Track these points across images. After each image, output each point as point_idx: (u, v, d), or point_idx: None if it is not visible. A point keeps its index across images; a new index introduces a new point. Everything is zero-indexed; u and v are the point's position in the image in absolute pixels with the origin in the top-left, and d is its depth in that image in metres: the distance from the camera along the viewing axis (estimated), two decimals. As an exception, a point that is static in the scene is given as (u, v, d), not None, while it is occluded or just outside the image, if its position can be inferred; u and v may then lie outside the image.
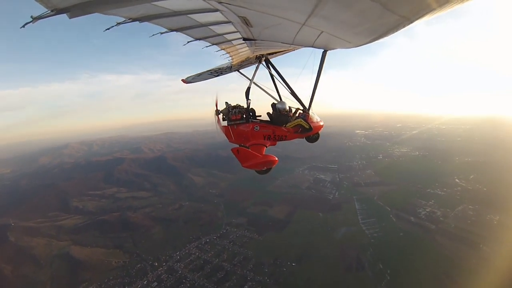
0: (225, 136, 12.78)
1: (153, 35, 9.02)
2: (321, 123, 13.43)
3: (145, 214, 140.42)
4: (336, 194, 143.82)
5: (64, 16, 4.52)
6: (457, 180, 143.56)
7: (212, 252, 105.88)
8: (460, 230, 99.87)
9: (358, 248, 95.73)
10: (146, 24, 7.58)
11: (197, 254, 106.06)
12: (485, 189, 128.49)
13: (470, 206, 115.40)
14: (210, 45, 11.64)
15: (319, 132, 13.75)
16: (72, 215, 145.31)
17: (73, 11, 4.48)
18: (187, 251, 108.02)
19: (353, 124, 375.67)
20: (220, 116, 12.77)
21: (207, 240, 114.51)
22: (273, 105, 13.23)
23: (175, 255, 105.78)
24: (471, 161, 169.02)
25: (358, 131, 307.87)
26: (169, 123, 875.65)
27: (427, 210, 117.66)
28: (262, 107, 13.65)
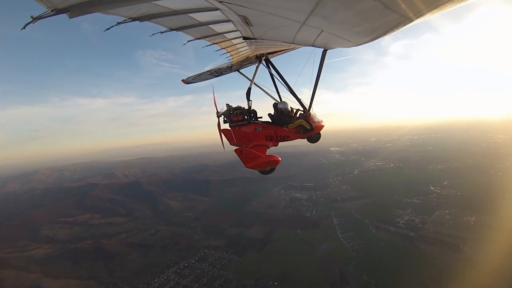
0: (225, 139, 13.05)
1: (153, 34, 9.27)
2: (322, 123, 13.99)
3: (121, 240, 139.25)
4: (314, 211, 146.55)
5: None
6: (432, 188, 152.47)
7: (192, 277, 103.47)
8: (439, 234, 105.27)
9: (340, 263, 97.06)
10: (145, 24, 7.86)
11: (176, 279, 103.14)
12: (459, 193, 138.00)
13: (446, 211, 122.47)
14: (210, 44, 12.02)
15: (320, 132, 14.27)
16: (42, 244, 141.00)
17: (73, 11, 4.62)
18: (165, 277, 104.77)
19: (327, 141, 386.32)
20: (221, 118, 12.97)
21: (186, 264, 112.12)
22: (275, 106, 13.69)
23: (153, 282, 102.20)
24: (444, 168, 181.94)
25: (332, 148, 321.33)
26: (144, 148, 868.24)
27: (405, 218, 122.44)
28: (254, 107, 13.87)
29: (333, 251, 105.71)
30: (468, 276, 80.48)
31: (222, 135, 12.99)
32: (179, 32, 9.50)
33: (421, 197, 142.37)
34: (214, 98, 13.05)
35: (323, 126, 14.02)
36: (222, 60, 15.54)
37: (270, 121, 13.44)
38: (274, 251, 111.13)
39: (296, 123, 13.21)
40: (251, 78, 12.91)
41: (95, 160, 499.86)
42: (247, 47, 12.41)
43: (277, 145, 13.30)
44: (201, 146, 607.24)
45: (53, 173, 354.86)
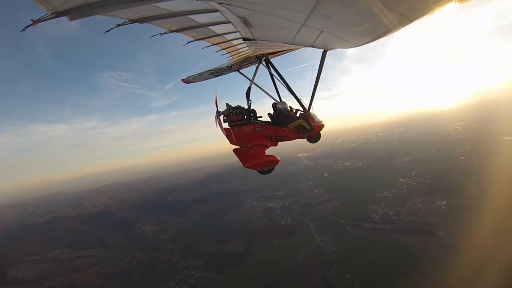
0: (226, 138, 13.08)
1: (153, 36, 9.45)
2: (322, 123, 14.25)
3: (95, 272, 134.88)
4: (289, 219, 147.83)
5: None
6: (401, 180, 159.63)
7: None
8: (414, 223, 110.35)
9: (322, 266, 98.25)
10: (146, 26, 8.00)
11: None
12: (427, 181, 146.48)
13: (418, 199, 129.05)
14: (210, 45, 12.19)
15: (320, 132, 14.51)
16: (11, 286, 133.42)
17: (73, 14, 4.66)
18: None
19: (294, 148, 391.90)
20: (221, 117, 13.02)
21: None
22: (274, 106, 13.86)
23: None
24: (410, 160, 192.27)
25: (300, 155, 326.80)
26: (111, 173, 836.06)
27: (379, 213, 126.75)
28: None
29: (313, 255, 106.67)
30: (447, 257, 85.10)
31: (223, 133, 12.90)
32: (179, 34, 9.76)
33: (392, 190, 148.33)
34: (216, 97, 12.93)
35: (323, 126, 14.30)
36: (221, 61, 15.73)
37: (270, 121, 13.61)
38: (254, 264, 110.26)
39: (296, 123, 13.45)
40: (251, 78, 13.07)
41: (60, 191, 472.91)
42: (247, 48, 12.63)
43: (276, 145, 13.44)
44: (169, 166, 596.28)
45: (15, 210, 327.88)
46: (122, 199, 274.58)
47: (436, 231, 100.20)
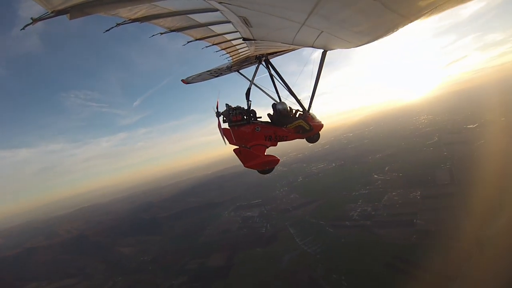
0: (225, 138, 13.02)
1: (153, 35, 9.51)
2: (321, 123, 14.64)
3: None
4: (268, 226, 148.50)
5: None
6: (375, 176, 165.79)
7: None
8: (392, 216, 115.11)
9: (307, 269, 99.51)
10: (145, 25, 8.11)
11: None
12: (401, 174, 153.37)
13: (393, 193, 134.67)
14: (210, 45, 12.34)
15: (319, 132, 14.92)
16: None
17: (72, 12, 4.70)
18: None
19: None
20: (221, 118, 13.10)
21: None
22: (274, 106, 14.04)
23: None
24: (382, 156, 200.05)
25: None
26: (83, 196, 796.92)
27: (358, 210, 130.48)
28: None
29: (297, 260, 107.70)
30: (428, 244, 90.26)
31: (222, 133, 13.05)
32: (179, 34, 9.89)
33: (368, 187, 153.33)
34: (217, 102, 13.18)
35: (322, 126, 14.77)
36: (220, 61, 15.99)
37: (270, 121, 13.94)
38: (240, 275, 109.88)
39: (295, 124, 13.85)
40: (250, 79, 13.30)
41: (30, 220, 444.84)
42: (247, 48, 12.78)
43: (275, 145, 13.78)
44: (142, 184, 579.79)
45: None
46: (97, 222, 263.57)
47: (414, 221, 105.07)
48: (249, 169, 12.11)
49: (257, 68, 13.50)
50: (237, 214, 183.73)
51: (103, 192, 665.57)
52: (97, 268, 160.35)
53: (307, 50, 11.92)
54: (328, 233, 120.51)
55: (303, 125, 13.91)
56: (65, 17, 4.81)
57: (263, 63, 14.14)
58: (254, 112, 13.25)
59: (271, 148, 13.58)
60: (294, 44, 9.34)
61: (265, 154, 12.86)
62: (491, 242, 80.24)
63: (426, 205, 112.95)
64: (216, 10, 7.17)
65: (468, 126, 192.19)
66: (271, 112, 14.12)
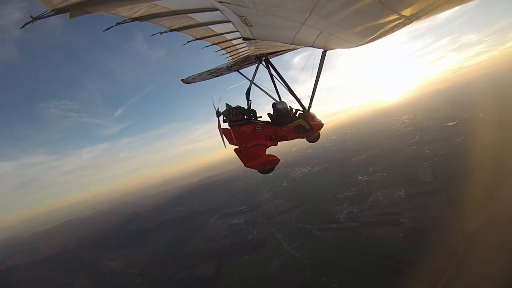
0: (225, 139, 13.14)
1: (153, 35, 9.49)
2: (321, 123, 14.69)
3: None
4: (255, 232, 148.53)
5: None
6: (360, 177, 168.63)
7: None
8: (378, 216, 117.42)
9: (297, 274, 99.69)
10: (146, 24, 8.14)
11: None
12: (384, 174, 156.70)
13: (378, 193, 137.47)
14: (210, 45, 12.35)
15: (320, 131, 15.04)
16: None
17: (73, 11, 4.73)
18: None
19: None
20: (221, 118, 13.18)
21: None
22: (274, 105, 14.06)
23: None
24: (365, 157, 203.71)
25: None
26: (66, 210, 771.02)
27: (344, 212, 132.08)
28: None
29: (286, 265, 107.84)
30: (414, 241, 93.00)
31: (222, 133, 13.19)
32: (178, 33, 9.87)
33: (353, 189, 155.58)
34: (218, 106, 13.31)
35: (322, 125, 14.83)
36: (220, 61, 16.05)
37: (270, 121, 14.01)
38: (229, 284, 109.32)
39: (295, 123, 13.91)
40: (250, 78, 13.35)
41: (11, 236, 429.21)
42: (246, 48, 12.82)
43: (276, 145, 13.79)
44: (127, 195, 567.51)
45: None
46: (81, 236, 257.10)
47: (400, 219, 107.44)
48: (250, 169, 12.17)
49: (257, 68, 13.69)
50: (223, 222, 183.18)
51: (86, 205, 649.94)
52: (83, 285, 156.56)
53: (307, 50, 11.82)
54: (315, 236, 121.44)
55: (303, 125, 14.01)
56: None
57: (263, 62, 14.31)
58: (254, 112, 13.35)
59: (271, 147, 13.61)
60: (294, 44, 9.44)
61: (266, 154, 12.91)
62: (477, 235, 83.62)
63: (411, 203, 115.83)
64: (216, 9, 7.29)
65: (448, 124, 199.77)
66: (271, 112, 14.25)
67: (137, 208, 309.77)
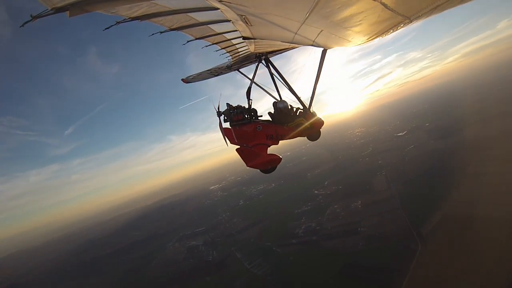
0: (227, 139, 13.25)
1: (153, 34, 9.57)
2: (322, 121, 14.97)
3: None
4: (214, 253, 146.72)
5: None
6: (316, 192, 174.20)
7: None
8: (337, 227, 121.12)
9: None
10: (146, 24, 8.20)
11: None
12: (340, 187, 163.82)
13: (335, 206, 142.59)
14: (210, 44, 12.49)
15: (320, 129, 15.33)
16: None
17: (72, 10, 4.78)
18: None
19: (206, 181, 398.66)
20: (222, 117, 13.31)
21: None
22: (274, 104, 14.23)
23: None
24: (320, 172, 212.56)
25: (212, 187, 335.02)
26: (13, 240, 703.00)
27: (302, 227, 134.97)
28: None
29: (248, 284, 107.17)
30: (374, 247, 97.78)
31: (224, 133, 13.39)
32: (177, 33, 10.02)
33: (309, 203, 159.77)
34: (218, 103, 13.42)
35: (323, 123, 15.14)
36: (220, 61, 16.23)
37: (271, 120, 14.25)
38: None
39: (296, 122, 14.16)
40: (250, 78, 13.62)
41: None
42: (246, 47, 12.81)
43: (277, 144, 14.07)
44: (81, 220, 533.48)
45: None
46: (31, 268, 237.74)
47: (359, 229, 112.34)
48: (252, 168, 12.29)
49: (257, 67, 14.06)
50: (182, 244, 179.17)
51: (35, 234, 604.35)
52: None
53: (307, 49, 12.06)
54: (275, 253, 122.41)
55: (304, 123, 14.32)
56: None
57: (263, 61, 14.58)
58: (255, 111, 13.64)
59: (272, 147, 13.89)
60: (294, 43, 9.64)
61: (267, 153, 13.18)
62: (431, 235, 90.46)
63: (367, 212, 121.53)
64: (216, 8, 7.38)
65: (398, 134, 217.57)
66: (272, 111, 14.57)
67: (92, 234, 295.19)
